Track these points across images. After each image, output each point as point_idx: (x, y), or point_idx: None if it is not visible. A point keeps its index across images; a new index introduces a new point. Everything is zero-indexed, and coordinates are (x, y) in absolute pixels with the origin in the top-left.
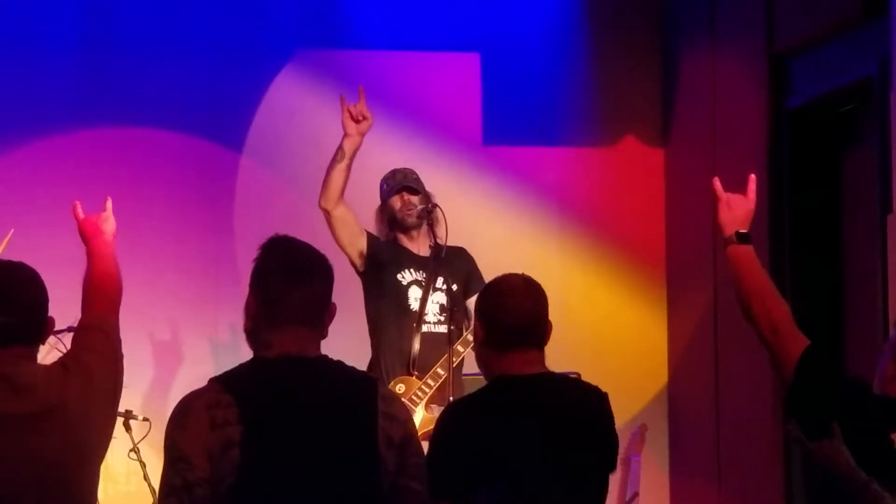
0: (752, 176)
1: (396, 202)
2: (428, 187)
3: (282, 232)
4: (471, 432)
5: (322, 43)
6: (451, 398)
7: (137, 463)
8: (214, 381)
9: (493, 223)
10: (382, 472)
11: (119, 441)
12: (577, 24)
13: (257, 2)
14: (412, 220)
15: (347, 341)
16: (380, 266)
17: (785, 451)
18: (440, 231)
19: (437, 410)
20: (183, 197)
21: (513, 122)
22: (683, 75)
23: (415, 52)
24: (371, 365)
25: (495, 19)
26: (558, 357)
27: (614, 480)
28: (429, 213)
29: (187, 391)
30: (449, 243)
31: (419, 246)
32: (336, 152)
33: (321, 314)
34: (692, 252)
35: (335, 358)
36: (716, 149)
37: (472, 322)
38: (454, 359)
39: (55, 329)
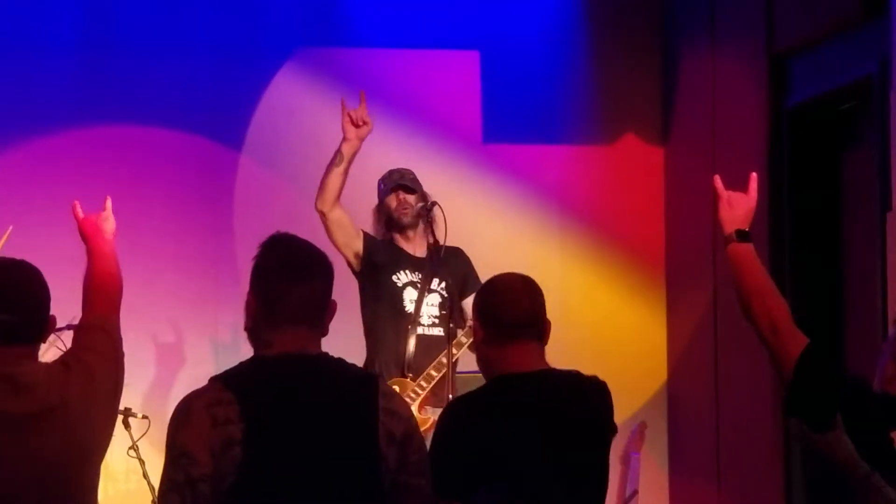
0: (754, 174)
1: (392, 201)
2: (427, 185)
3: (282, 231)
4: (471, 432)
5: (321, 41)
6: (451, 396)
7: (136, 461)
8: (215, 380)
9: (493, 221)
10: (384, 469)
11: (118, 439)
12: (577, 23)
13: (257, 0)
14: (408, 219)
15: (346, 341)
16: (375, 267)
17: (784, 450)
18: (439, 229)
19: (430, 412)
20: (182, 196)
21: (512, 121)
22: (683, 74)
23: (414, 50)
24: (365, 366)
25: (495, 17)
26: (558, 356)
27: (614, 478)
28: (428, 212)
29: (187, 390)
30: (448, 241)
31: (415, 246)
32: (334, 155)
33: (322, 313)
34: (692, 251)
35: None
36: (715, 148)
37: (468, 323)
38: (446, 360)
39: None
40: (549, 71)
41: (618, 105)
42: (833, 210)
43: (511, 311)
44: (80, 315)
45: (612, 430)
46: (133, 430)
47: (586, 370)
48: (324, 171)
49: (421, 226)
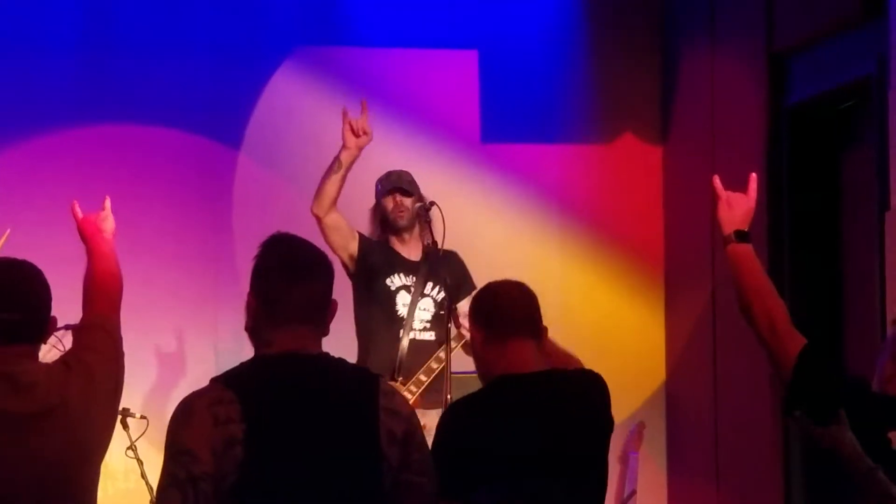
0: (753, 175)
1: (389, 203)
2: (426, 185)
3: (281, 230)
4: (472, 432)
5: (320, 40)
6: (449, 397)
7: (135, 461)
8: (216, 381)
9: (492, 221)
10: (385, 468)
11: (116, 439)
12: (576, 22)
13: (256, 0)
14: (403, 222)
15: (340, 342)
16: (369, 270)
17: (783, 449)
18: (437, 229)
19: (421, 414)
20: (182, 195)
21: (511, 120)
22: (682, 73)
23: (413, 49)
24: None
25: (493, 17)
26: None
27: (612, 478)
28: (426, 211)
29: (186, 390)
30: (447, 241)
31: (410, 250)
32: (333, 162)
33: (322, 312)
34: (691, 251)
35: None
36: (715, 147)
37: (461, 326)
38: (436, 365)
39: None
40: (547, 70)
41: (617, 104)
42: (832, 209)
43: (509, 308)
44: (79, 315)
45: (610, 426)
46: (131, 430)
47: None
48: (323, 171)
49: (417, 228)
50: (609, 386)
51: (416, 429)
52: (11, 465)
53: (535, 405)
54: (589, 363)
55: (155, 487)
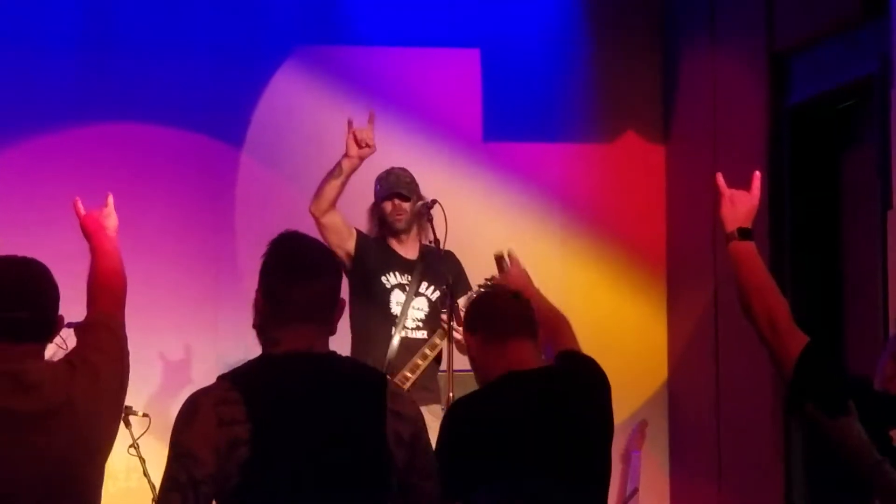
0: (758, 173)
1: (387, 206)
2: (427, 184)
3: (282, 229)
4: (474, 430)
5: (322, 39)
6: (451, 395)
7: (137, 459)
8: (222, 379)
9: (493, 220)
10: (391, 470)
11: (118, 437)
12: (578, 21)
13: None
14: (401, 224)
15: (340, 335)
16: (366, 267)
17: (785, 448)
18: (439, 228)
19: None
20: (184, 194)
21: (513, 119)
22: (684, 73)
23: (415, 48)
24: None
25: (495, 15)
26: None
27: (614, 477)
28: (428, 210)
29: (188, 388)
30: (448, 239)
31: (407, 249)
32: (334, 167)
33: (329, 311)
34: (692, 249)
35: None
36: (716, 146)
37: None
38: (421, 362)
39: None
40: (549, 69)
41: (618, 103)
42: (833, 209)
43: (507, 309)
44: (80, 313)
45: (612, 421)
46: (133, 428)
47: None
48: (324, 170)
49: (415, 228)
50: (611, 384)
51: (422, 431)
52: (16, 464)
53: (538, 403)
54: None
55: (157, 485)
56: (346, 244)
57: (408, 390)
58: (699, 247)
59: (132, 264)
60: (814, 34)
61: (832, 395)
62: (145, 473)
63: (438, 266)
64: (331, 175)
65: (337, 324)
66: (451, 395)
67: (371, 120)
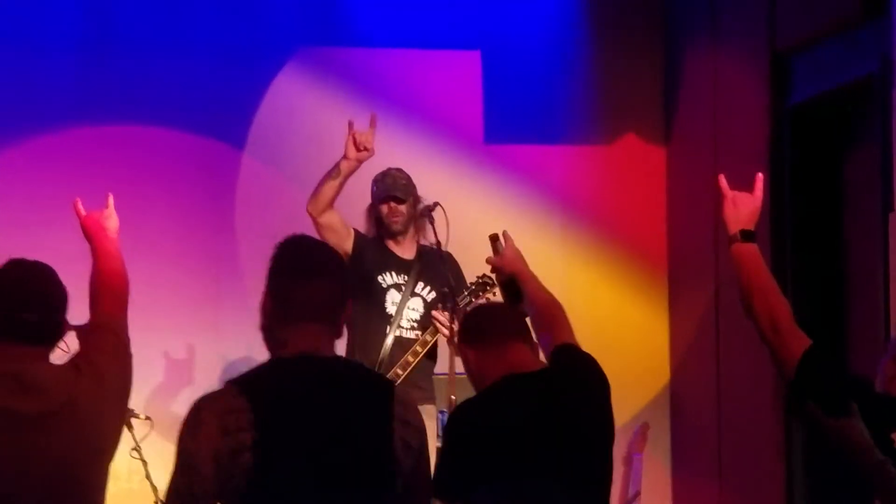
0: (760, 175)
1: (384, 208)
2: (428, 185)
3: (283, 229)
4: (477, 431)
5: (324, 41)
6: (453, 397)
7: (139, 461)
8: (231, 384)
9: (494, 222)
10: (398, 477)
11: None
12: (579, 22)
13: (259, 1)
14: (398, 227)
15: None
16: (363, 267)
17: (787, 450)
18: (440, 230)
19: None
20: (185, 195)
21: (514, 121)
22: (685, 73)
23: (416, 49)
24: None
25: (496, 17)
26: None
27: (616, 479)
28: (429, 212)
29: (189, 390)
30: (450, 241)
31: (404, 249)
32: (333, 168)
33: (335, 311)
34: (694, 250)
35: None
36: (717, 147)
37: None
38: (412, 359)
39: None
40: (550, 71)
41: (619, 105)
42: (834, 209)
43: (501, 316)
44: (81, 314)
45: (610, 417)
46: (136, 431)
47: None
48: (326, 170)
49: (412, 230)
50: (613, 387)
51: (426, 439)
52: (20, 465)
53: (537, 404)
54: None
55: (159, 488)
56: (343, 244)
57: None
58: (700, 248)
59: (133, 265)
60: (814, 34)
61: (834, 394)
62: (147, 476)
63: (435, 267)
64: (329, 176)
65: (343, 326)
66: (452, 398)
67: (372, 123)
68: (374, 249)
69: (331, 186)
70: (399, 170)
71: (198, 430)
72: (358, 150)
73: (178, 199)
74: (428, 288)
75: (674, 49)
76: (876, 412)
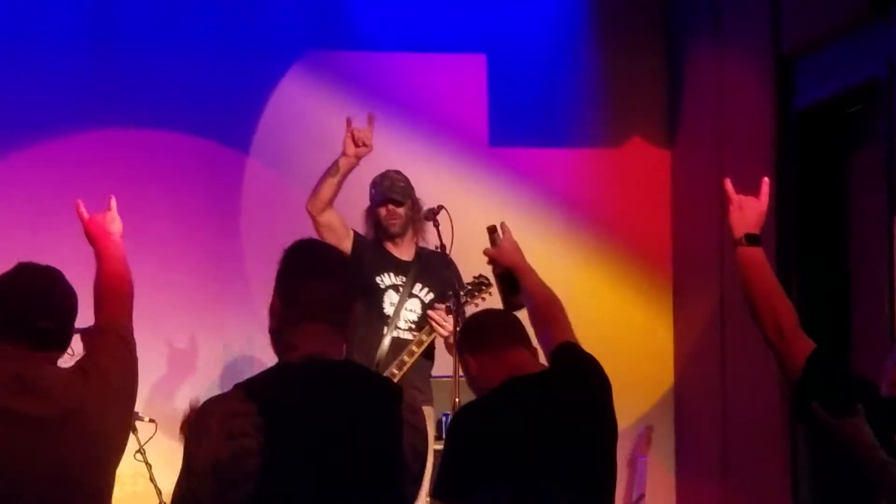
0: (766, 179)
1: (382, 211)
2: (433, 188)
3: (287, 232)
4: (480, 432)
5: (329, 44)
6: (457, 400)
7: (143, 464)
8: (238, 388)
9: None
10: (407, 481)
11: None
12: (583, 26)
13: (264, 3)
14: (396, 229)
15: None
16: (361, 267)
17: (791, 453)
18: (445, 233)
19: None
20: (189, 198)
21: (519, 123)
22: (690, 76)
23: (421, 53)
24: None
25: (501, 21)
26: None
27: (621, 481)
28: (434, 215)
29: (194, 393)
30: (455, 244)
31: (402, 251)
32: (331, 166)
33: (343, 312)
34: (699, 253)
35: None
36: (722, 150)
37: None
38: (408, 359)
39: None
40: (555, 74)
41: (624, 108)
42: (840, 212)
43: (500, 322)
44: (84, 317)
45: (612, 418)
46: (140, 434)
47: None
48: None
49: (410, 231)
50: (617, 389)
51: (428, 446)
52: (28, 468)
53: (538, 406)
54: None
55: (164, 491)
56: (342, 244)
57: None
58: (705, 251)
59: (137, 267)
60: (820, 36)
61: (839, 395)
62: (152, 478)
63: (433, 269)
64: (328, 174)
65: (350, 331)
66: (456, 400)
67: (370, 122)
68: (372, 250)
69: (330, 184)
70: (398, 172)
71: (202, 434)
72: (357, 145)
73: (182, 201)
74: (426, 289)
75: (678, 52)
76: (881, 414)
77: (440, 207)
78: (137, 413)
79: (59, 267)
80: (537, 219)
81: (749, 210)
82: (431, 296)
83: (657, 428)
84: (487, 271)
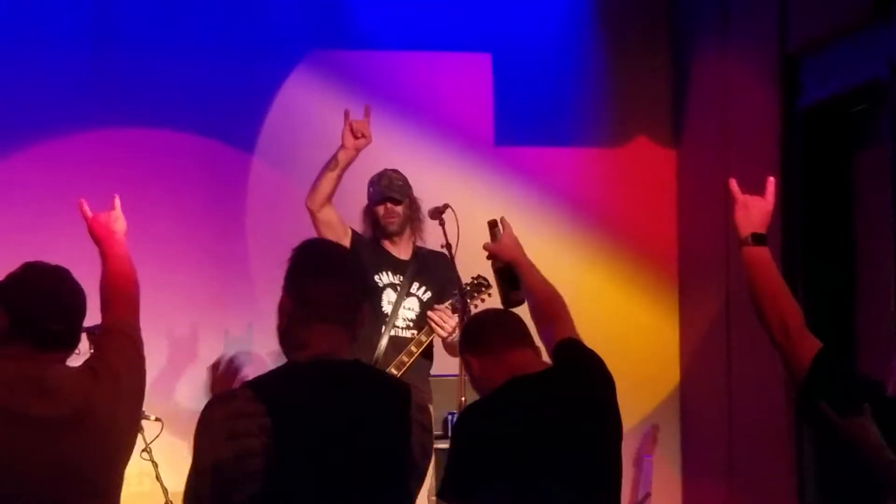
0: (772, 178)
1: (380, 210)
2: (438, 187)
3: (292, 232)
4: (478, 434)
5: (333, 44)
6: (463, 399)
7: (149, 463)
8: (245, 388)
9: None
10: (415, 480)
11: None
12: (588, 25)
13: (268, 3)
14: (394, 227)
15: None
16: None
17: (797, 452)
18: (451, 232)
19: None
20: (194, 198)
21: (524, 123)
22: (695, 75)
23: (426, 52)
24: None
25: (506, 20)
26: None
27: (626, 481)
28: (440, 214)
29: (198, 392)
30: (460, 243)
31: (400, 249)
32: (330, 160)
33: (353, 312)
34: (704, 253)
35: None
36: (727, 149)
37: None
38: (407, 359)
39: None
40: (560, 73)
41: (629, 107)
42: (845, 212)
43: (503, 322)
44: (90, 317)
45: (617, 416)
46: (146, 433)
47: None
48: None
49: (408, 230)
50: (623, 389)
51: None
52: (37, 468)
53: (542, 405)
54: None
55: (170, 490)
56: (340, 242)
57: None
58: (711, 251)
59: (142, 267)
60: (825, 35)
61: (846, 395)
62: (158, 477)
63: (431, 267)
64: (326, 168)
65: (358, 331)
66: (462, 399)
67: (367, 113)
68: (370, 249)
69: (329, 178)
70: (396, 171)
71: (205, 432)
72: (355, 137)
73: (186, 201)
74: (423, 288)
75: (683, 51)
76: (888, 414)
77: (446, 206)
78: (144, 412)
79: (61, 265)
80: (542, 218)
81: (755, 210)
82: (429, 295)
83: (663, 427)
84: (490, 272)
